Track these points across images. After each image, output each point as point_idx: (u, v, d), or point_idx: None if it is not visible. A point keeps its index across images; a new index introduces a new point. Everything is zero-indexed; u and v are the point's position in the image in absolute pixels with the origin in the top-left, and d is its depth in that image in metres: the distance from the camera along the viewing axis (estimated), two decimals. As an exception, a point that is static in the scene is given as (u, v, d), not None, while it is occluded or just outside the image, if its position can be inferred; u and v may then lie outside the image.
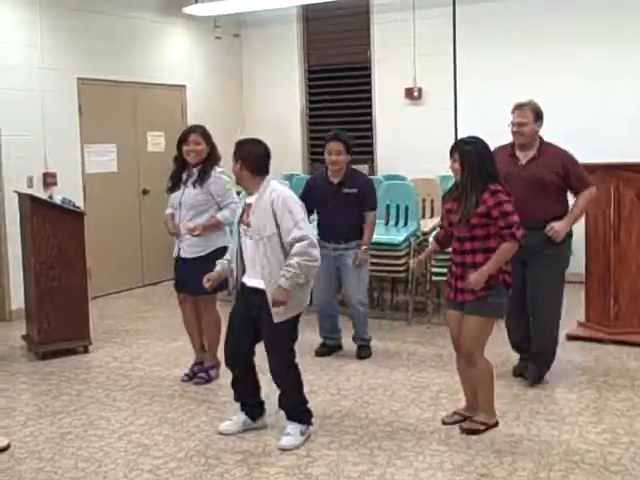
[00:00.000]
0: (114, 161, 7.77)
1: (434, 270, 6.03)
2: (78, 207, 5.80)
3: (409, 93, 8.39)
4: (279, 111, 9.00)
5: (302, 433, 3.98)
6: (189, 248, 4.80)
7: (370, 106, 8.76)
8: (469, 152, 3.90)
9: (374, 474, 3.61)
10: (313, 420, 4.07)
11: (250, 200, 3.95)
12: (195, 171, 4.77)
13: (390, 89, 8.50)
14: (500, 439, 3.95)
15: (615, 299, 5.62)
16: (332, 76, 9.03)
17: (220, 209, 4.77)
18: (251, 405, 4.14)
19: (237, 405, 4.18)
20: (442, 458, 3.76)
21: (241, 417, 4.14)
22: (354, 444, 3.94)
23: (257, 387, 4.14)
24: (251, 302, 3.94)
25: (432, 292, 6.40)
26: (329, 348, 5.49)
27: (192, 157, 4.74)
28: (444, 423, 4.12)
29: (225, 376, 4.95)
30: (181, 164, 4.83)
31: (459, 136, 8.19)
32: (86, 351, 5.68)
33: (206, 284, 4.11)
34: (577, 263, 6.77)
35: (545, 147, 4.70)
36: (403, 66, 8.31)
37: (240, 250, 4.01)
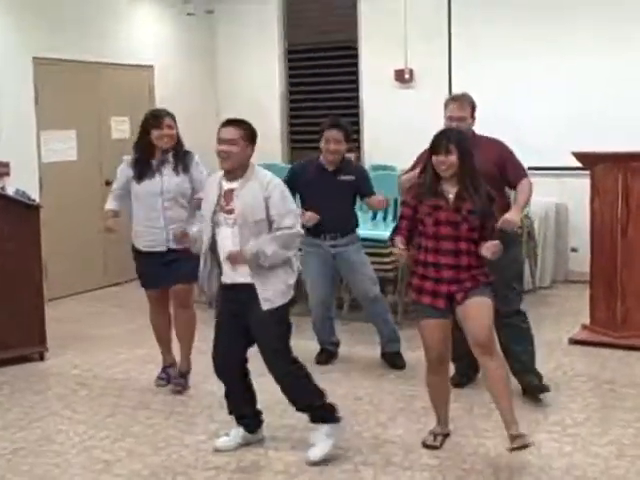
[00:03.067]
0: (74, 149, 7.73)
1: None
2: (33, 199, 5.78)
3: (399, 75, 8.40)
4: (257, 95, 8.98)
5: (328, 435, 3.97)
6: None
7: (357, 89, 8.77)
8: (466, 141, 3.90)
9: (359, 491, 3.63)
10: (338, 416, 4.03)
11: (231, 185, 3.97)
12: (170, 157, 4.83)
13: (379, 71, 8.50)
14: (496, 452, 3.97)
15: (622, 300, 5.66)
16: (315, 56, 9.02)
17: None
18: (247, 416, 4.14)
19: (225, 418, 4.19)
20: (433, 473, 3.77)
21: (239, 431, 4.13)
22: (337, 459, 3.94)
23: (252, 396, 4.13)
24: (235, 301, 3.96)
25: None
26: (329, 354, 5.50)
27: (166, 142, 4.83)
28: (425, 446, 4.06)
29: (195, 386, 4.99)
30: (147, 150, 4.85)
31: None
32: (42, 358, 5.66)
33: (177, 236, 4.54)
34: (581, 261, 6.87)
35: (478, 138, 4.64)
36: (393, 46, 8.30)
37: (213, 246, 4.00)
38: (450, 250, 3.84)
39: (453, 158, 3.84)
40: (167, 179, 4.81)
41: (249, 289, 3.90)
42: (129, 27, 8.34)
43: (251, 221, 3.88)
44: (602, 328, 5.74)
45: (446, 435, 4.11)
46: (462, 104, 4.65)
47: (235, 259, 3.87)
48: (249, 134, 3.98)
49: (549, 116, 7.58)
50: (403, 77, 8.40)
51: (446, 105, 4.71)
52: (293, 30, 9.17)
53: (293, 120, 9.26)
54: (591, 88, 7.51)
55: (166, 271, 4.84)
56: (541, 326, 6.20)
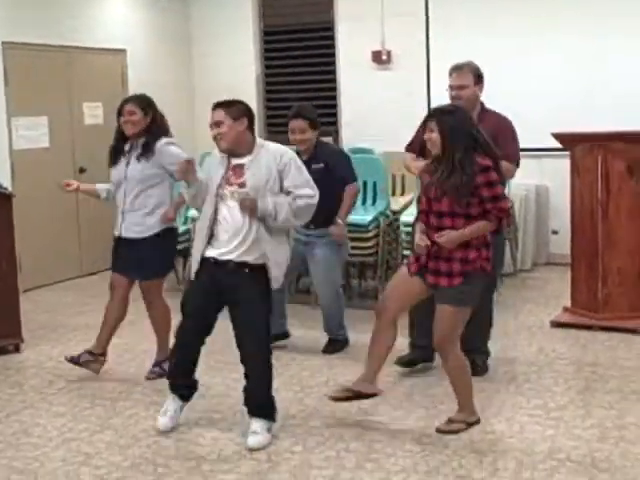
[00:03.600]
0: (46, 136, 7.65)
1: (405, 253, 6.06)
2: (5, 188, 5.72)
3: (377, 57, 8.39)
4: (232, 77, 8.91)
5: (269, 430, 4.03)
6: (131, 227, 4.85)
7: (334, 71, 8.75)
8: (448, 118, 3.94)
9: (342, 479, 3.62)
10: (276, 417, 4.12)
11: (240, 161, 4.01)
12: (138, 145, 4.85)
13: (356, 52, 8.48)
14: (479, 437, 3.99)
15: (604, 282, 5.70)
16: (291, 38, 8.99)
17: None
18: (186, 385, 4.21)
19: (206, 408, 4.29)
20: (416, 459, 3.79)
21: (175, 404, 4.20)
22: (319, 446, 3.96)
23: (196, 366, 4.20)
24: (222, 279, 3.98)
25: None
26: (275, 336, 5.51)
27: (128, 128, 4.85)
28: (333, 398, 4.20)
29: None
30: (119, 136, 4.93)
31: (432, 105, 8.24)
32: (17, 350, 5.63)
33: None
34: (562, 243, 6.90)
35: (485, 113, 4.75)
36: (370, 26, 8.29)
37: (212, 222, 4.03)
38: (435, 226, 3.93)
39: (434, 135, 3.93)
40: (132, 167, 4.83)
41: (238, 267, 3.95)
42: (101, 10, 8.24)
43: (263, 193, 3.94)
44: (584, 310, 5.78)
45: (351, 395, 4.16)
46: (463, 72, 4.77)
47: (246, 204, 3.89)
48: (235, 110, 4.00)
49: (529, 96, 7.58)
50: (380, 58, 8.38)
51: (449, 74, 4.81)
52: (269, 11, 9.10)
53: (269, 103, 9.21)
54: (573, 68, 7.52)
55: (126, 260, 4.87)
56: (522, 309, 6.26)
